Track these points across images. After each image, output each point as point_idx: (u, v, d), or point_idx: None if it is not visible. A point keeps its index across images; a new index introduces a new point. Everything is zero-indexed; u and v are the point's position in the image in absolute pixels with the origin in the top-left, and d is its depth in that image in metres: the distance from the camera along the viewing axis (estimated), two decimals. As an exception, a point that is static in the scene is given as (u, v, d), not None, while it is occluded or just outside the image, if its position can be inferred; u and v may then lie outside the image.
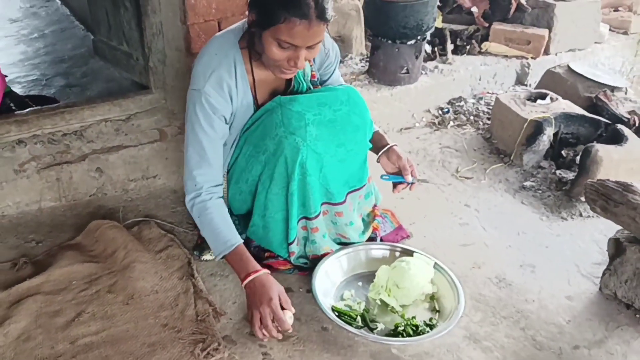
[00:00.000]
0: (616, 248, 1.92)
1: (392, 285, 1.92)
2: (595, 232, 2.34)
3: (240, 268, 1.81)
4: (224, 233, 1.85)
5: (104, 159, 2.42)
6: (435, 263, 1.99)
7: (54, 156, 2.35)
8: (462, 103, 3.21)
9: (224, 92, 1.81)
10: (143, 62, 2.54)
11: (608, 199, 1.89)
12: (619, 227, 2.27)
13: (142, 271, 2.01)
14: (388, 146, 2.01)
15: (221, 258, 1.86)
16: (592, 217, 2.41)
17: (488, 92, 3.31)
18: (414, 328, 1.81)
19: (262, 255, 2.12)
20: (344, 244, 2.11)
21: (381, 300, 1.93)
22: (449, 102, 3.23)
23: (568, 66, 3.09)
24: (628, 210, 1.82)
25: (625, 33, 3.81)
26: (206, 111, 1.81)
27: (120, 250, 2.09)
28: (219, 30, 2.42)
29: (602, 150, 2.37)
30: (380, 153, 2.02)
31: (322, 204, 1.98)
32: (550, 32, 3.42)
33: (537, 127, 2.61)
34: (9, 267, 2.07)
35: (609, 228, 2.33)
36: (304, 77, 1.96)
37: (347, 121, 1.89)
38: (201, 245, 2.17)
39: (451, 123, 3.06)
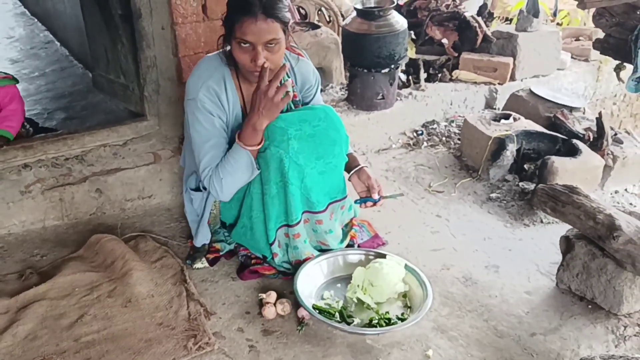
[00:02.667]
0: (567, 245, 2.13)
1: (367, 284, 2.11)
2: (554, 235, 2.54)
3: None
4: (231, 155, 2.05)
5: (103, 181, 2.64)
6: (406, 264, 2.19)
7: (57, 178, 2.56)
8: (435, 126, 3.45)
9: (214, 98, 2.06)
10: (139, 92, 2.77)
11: (556, 201, 2.11)
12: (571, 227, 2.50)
13: (139, 278, 2.19)
14: (359, 167, 2.25)
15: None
16: (552, 223, 2.63)
17: (459, 115, 3.57)
18: (387, 321, 2.00)
19: (248, 262, 2.32)
20: (324, 251, 2.31)
21: (357, 299, 2.12)
22: (423, 125, 3.48)
23: (530, 90, 3.36)
24: (574, 210, 2.05)
25: (586, 60, 4.10)
26: (204, 114, 2.06)
27: (118, 260, 2.28)
28: (208, 61, 2.68)
29: (557, 161, 2.60)
30: (351, 172, 2.26)
31: (303, 212, 2.19)
32: (514, 59, 3.70)
33: (500, 144, 2.85)
34: (15, 278, 2.26)
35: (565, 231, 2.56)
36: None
37: (325, 135, 2.12)
38: (193, 256, 2.36)
39: (425, 144, 3.30)
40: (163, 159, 2.75)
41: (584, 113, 3.25)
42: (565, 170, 2.60)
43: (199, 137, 2.09)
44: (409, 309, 2.10)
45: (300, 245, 2.22)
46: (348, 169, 2.27)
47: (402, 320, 2.01)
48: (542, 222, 2.63)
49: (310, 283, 2.18)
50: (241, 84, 2.12)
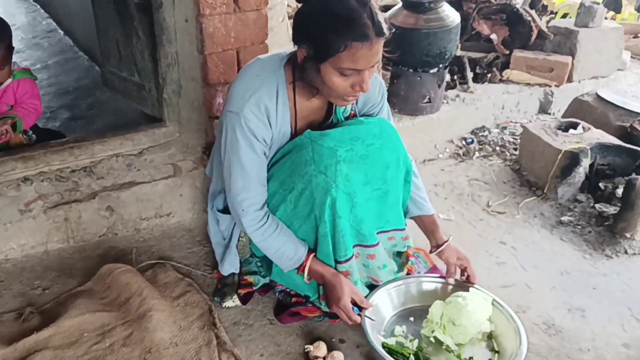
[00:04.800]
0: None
1: (448, 322, 1.77)
2: (643, 270, 2.18)
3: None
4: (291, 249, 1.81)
5: (115, 197, 2.27)
6: (494, 299, 1.84)
7: (61, 194, 2.20)
8: (486, 133, 3.08)
9: (262, 116, 1.69)
10: (156, 94, 2.40)
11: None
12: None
13: (160, 321, 1.83)
14: (445, 243, 1.92)
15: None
16: (637, 254, 2.25)
17: (512, 121, 3.19)
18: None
19: (288, 301, 1.96)
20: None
21: (435, 338, 1.79)
22: (472, 132, 3.10)
23: (597, 94, 2.97)
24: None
25: (646, 59, 3.72)
26: (246, 135, 1.69)
27: (135, 297, 1.92)
28: (238, 60, 2.31)
29: (646, 182, 2.22)
30: (437, 251, 1.94)
31: (354, 246, 1.83)
32: (573, 59, 3.31)
33: (573, 159, 2.47)
34: (13, 318, 1.89)
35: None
36: (343, 113, 1.83)
37: (379, 156, 1.75)
38: (222, 290, 2.00)
39: (476, 154, 2.92)
40: (184, 171, 2.38)
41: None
42: (655, 193, 2.22)
43: (235, 158, 1.73)
44: (496, 354, 1.75)
45: (349, 284, 1.86)
46: (427, 234, 1.98)
47: None
48: (626, 252, 2.26)
49: (379, 315, 1.84)
50: (296, 97, 1.74)
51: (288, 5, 2.82)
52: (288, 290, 1.98)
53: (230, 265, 2.00)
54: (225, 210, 1.94)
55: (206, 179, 2.35)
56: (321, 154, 1.69)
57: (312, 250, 1.83)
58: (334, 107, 1.83)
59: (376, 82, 1.86)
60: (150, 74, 2.41)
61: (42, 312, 1.92)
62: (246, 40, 2.28)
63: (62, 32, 4.68)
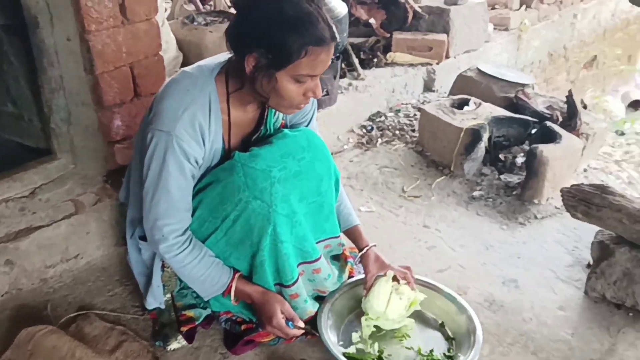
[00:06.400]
0: (602, 251, 1.91)
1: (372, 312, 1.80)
2: (554, 232, 2.35)
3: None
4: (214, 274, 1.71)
5: (12, 248, 1.97)
6: (437, 286, 1.89)
7: (-55, 256, 1.88)
8: (383, 118, 3.13)
9: (197, 135, 1.55)
10: (40, 124, 2.12)
11: (589, 204, 1.88)
12: (575, 226, 2.32)
13: (103, 384, 1.64)
14: (367, 248, 1.90)
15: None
16: (546, 217, 2.43)
17: (402, 103, 3.27)
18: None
19: (237, 329, 1.84)
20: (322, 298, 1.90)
21: (377, 327, 1.81)
22: (370, 119, 3.13)
23: (478, 68, 3.13)
24: (613, 213, 1.82)
25: (506, 29, 3.98)
26: (177, 157, 1.54)
27: (66, 361, 1.69)
28: (133, 76, 2.10)
29: (545, 150, 2.39)
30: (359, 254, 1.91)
31: (299, 265, 1.76)
32: (448, 36, 3.46)
33: (475, 135, 2.59)
34: None
35: (565, 227, 2.38)
36: (275, 123, 1.74)
37: (311, 170, 1.69)
38: (162, 332, 1.83)
39: (379, 140, 2.95)
40: (87, 206, 2.13)
41: (533, 89, 3.09)
42: (555, 159, 2.39)
43: (161, 181, 1.57)
44: (452, 341, 1.80)
45: (300, 305, 1.79)
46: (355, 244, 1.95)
47: (451, 357, 1.72)
48: (536, 217, 2.42)
49: (333, 327, 1.81)
50: (231, 110, 1.62)
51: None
52: (234, 317, 1.87)
53: (154, 299, 1.84)
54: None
55: (114, 210, 2.15)
56: (254, 178, 1.60)
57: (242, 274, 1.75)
58: (265, 117, 1.74)
59: None
60: (30, 102, 2.11)
61: (-45, 401, 1.64)
62: (139, 54, 2.08)
63: None
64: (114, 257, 2.17)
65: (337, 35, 1.48)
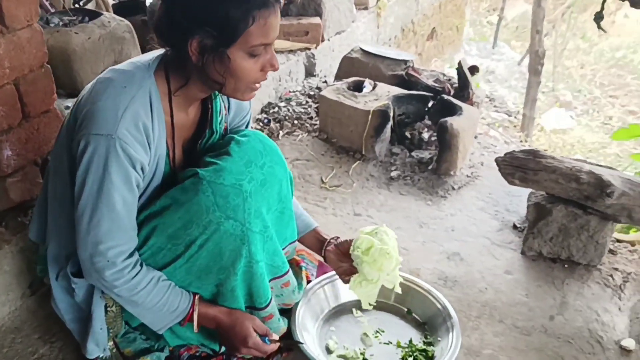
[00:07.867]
0: (539, 212, 2.02)
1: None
2: (474, 200, 2.46)
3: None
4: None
5: None
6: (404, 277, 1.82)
7: None
8: (276, 109, 3.01)
9: (142, 137, 1.35)
10: None
11: (525, 170, 1.97)
12: (489, 191, 2.44)
13: None
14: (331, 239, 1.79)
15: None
16: (462, 187, 2.52)
17: (290, 91, 3.17)
18: (424, 353, 1.69)
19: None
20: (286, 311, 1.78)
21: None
22: (263, 111, 2.99)
23: (361, 49, 3.13)
24: (549, 175, 1.93)
25: (366, 8, 4.05)
26: (122, 163, 1.32)
27: None
28: (19, 95, 1.75)
29: (455, 123, 2.47)
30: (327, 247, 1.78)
31: (270, 280, 1.63)
32: (321, 19, 3.41)
33: (383, 116, 2.59)
34: None
35: (481, 193, 2.51)
36: (220, 124, 1.56)
37: (274, 176, 1.57)
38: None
39: (280, 133, 2.84)
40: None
41: (413, 65, 3.18)
42: (463, 130, 2.48)
43: (101, 196, 1.33)
44: (425, 326, 1.78)
45: (274, 325, 1.67)
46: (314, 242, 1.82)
47: (430, 343, 1.71)
48: (453, 189, 2.51)
49: (308, 338, 1.69)
50: (173, 108, 1.42)
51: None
52: (197, 353, 1.67)
53: (96, 345, 1.57)
54: (80, 273, 1.50)
55: (15, 257, 1.80)
56: (225, 195, 1.42)
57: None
58: (209, 118, 1.55)
59: None
60: None
61: None
62: (24, 68, 1.73)
63: None
64: (25, 313, 1.82)
65: None
